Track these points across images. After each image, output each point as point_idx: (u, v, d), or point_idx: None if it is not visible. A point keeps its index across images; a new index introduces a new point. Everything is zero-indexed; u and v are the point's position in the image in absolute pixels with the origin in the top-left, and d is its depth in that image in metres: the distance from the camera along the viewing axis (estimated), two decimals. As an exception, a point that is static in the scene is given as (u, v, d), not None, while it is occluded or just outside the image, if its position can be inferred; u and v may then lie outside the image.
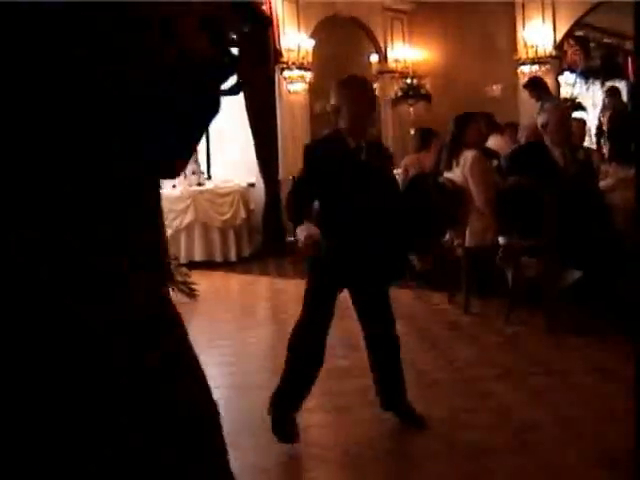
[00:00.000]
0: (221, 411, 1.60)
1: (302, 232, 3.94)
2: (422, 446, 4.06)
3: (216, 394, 1.62)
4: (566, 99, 13.03)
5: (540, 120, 6.20)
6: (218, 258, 10.56)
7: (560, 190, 5.89)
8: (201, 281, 9.05)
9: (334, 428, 4.42)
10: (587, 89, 14.05)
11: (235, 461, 1.63)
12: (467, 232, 6.91)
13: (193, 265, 9.97)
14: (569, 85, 14.01)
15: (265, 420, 4.12)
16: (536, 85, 10.26)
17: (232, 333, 6.79)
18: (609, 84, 13.27)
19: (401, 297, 7.87)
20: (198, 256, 10.39)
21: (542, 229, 5.95)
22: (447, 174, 7.08)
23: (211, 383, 1.61)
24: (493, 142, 8.51)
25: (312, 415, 4.49)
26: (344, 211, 4.10)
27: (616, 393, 4.70)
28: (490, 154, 7.55)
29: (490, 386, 4.94)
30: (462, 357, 5.65)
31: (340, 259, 4.09)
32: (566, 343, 5.81)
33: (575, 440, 4.02)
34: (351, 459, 3.96)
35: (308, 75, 12.08)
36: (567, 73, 13.95)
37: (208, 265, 10.26)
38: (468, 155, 6.89)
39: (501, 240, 6.20)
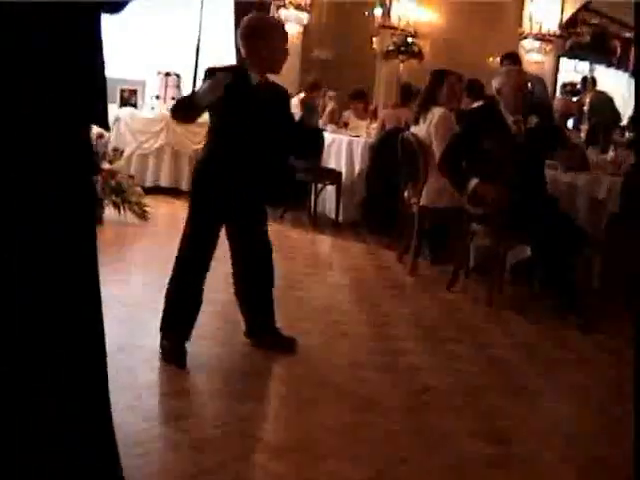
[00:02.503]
0: None
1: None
2: (308, 392, 3.84)
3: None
4: (564, 84, 12.71)
5: (494, 84, 5.92)
6: (184, 187, 10.27)
7: (512, 158, 5.63)
8: (160, 206, 8.88)
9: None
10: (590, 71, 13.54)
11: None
12: (424, 190, 6.67)
13: (158, 190, 9.77)
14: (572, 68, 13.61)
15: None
16: (513, 60, 9.93)
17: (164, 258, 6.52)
18: (597, 67, 12.88)
19: (352, 250, 7.72)
20: (164, 181, 10.11)
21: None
22: (413, 128, 6.83)
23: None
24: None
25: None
26: (233, 136, 4.12)
27: (530, 372, 4.51)
28: (462, 116, 7.26)
29: (405, 346, 4.72)
30: (389, 315, 5.43)
31: (222, 182, 4.11)
32: (500, 317, 5.59)
33: (467, 409, 3.81)
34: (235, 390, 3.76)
35: (305, 17, 11.74)
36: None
37: (173, 192, 9.99)
38: (436, 112, 6.64)
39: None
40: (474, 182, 5.70)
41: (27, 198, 1.61)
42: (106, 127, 1.80)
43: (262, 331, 4.41)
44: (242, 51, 4.17)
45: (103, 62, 1.71)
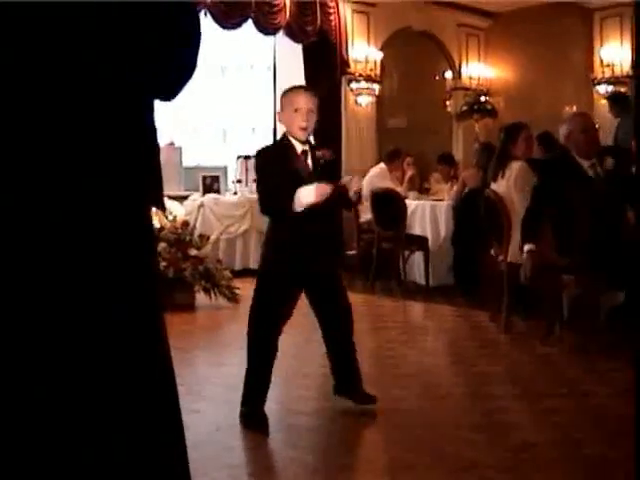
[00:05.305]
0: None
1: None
2: (405, 457, 3.81)
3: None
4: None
5: (562, 130, 5.91)
6: (273, 267, 10.36)
7: (592, 204, 5.58)
8: (250, 287, 8.82)
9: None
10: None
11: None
12: (510, 247, 6.63)
13: (247, 272, 9.88)
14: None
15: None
16: (618, 100, 9.88)
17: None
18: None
19: (444, 313, 7.68)
20: (253, 263, 10.23)
21: (575, 246, 5.65)
22: (493, 185, 6.82)
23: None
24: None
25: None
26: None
27: (632, 419, 4.39)
28: (535, 165, 7.23)
29: (502, 404, 4.67)
30: (484, 374, 5.38)
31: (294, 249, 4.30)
32: (597, 365, 5.49)
33: (568, 463, 3.74)
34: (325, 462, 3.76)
35: (376, 88, 11.88)
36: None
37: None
38: (514, 166, 6.64)
39: (526, 248, 5.88)
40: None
41: (85, 281, 1.66)
42: (162, 208, 1.88)
43: (346, 389, 4.48)
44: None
45: (158, 146, 1.77)
